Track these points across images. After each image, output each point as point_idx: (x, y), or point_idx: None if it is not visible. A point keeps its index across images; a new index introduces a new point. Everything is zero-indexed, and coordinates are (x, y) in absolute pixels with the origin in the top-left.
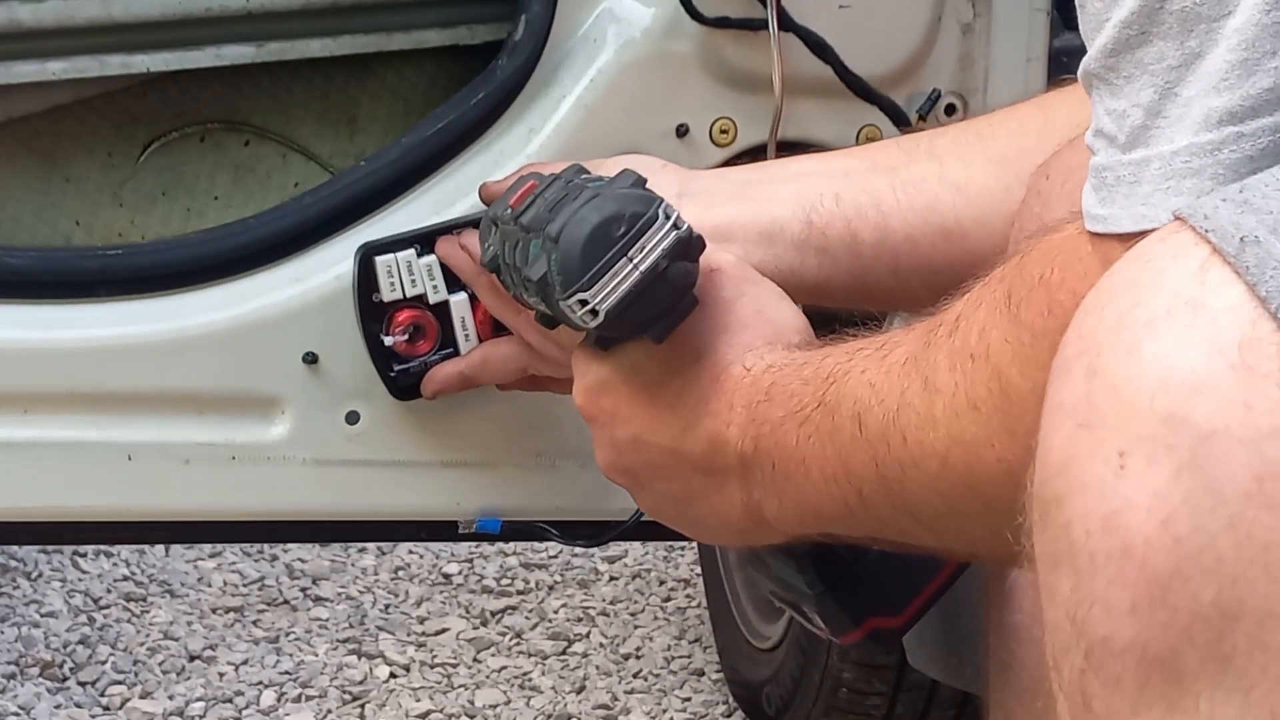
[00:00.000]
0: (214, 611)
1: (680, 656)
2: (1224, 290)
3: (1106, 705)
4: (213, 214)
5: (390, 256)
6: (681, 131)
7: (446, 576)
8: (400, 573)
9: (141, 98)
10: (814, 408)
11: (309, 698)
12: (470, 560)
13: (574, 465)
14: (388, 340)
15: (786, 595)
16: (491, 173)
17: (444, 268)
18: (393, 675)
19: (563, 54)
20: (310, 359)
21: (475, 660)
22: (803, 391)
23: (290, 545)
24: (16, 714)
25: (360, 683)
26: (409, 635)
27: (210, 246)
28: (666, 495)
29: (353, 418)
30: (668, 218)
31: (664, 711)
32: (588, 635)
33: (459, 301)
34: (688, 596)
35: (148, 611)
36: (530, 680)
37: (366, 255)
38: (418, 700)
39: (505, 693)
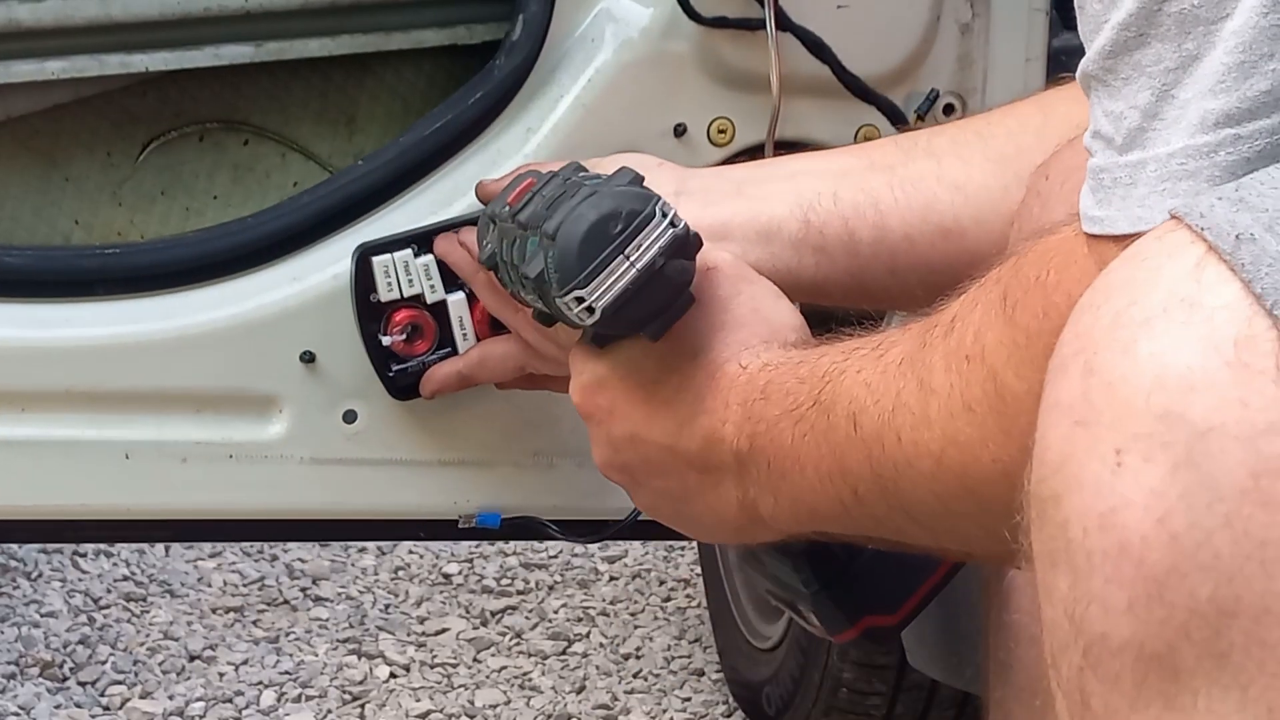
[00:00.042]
0: (214, 611)
1: (680, 656)
2: (1219, 288)
3: (1105, 703)
4: (211, 213)
5: (387, 256)
6: (679, 131)
7: (446, 576)
8: (400, 573)
9: (140, 97)
10: (809, 406)
11: (309, 698)
12: (470, 560)
13: (572, 464)
14: (386, 340)
15: (782, 593)
16: (489, 172)
17: (441, 267)
18: (393, 675)
19: (560, 54)
20: (308, 358)
21: (475, 660)
22: (798, 390)
23: (290, 545)
24: (16, 714)
25: (360, 683)
26: (409, 635)
27: (208, 245)
28: (663, 493)
29: (350, 416)
30: (665, 215)
31: (664, 711)
32: (588, 635)
33: (456, 301)
34: (688, 596)
35: (148, 611)
36: (530, 680)
37: (364, 255)
38: (418, 700)
39: (505, 693)
